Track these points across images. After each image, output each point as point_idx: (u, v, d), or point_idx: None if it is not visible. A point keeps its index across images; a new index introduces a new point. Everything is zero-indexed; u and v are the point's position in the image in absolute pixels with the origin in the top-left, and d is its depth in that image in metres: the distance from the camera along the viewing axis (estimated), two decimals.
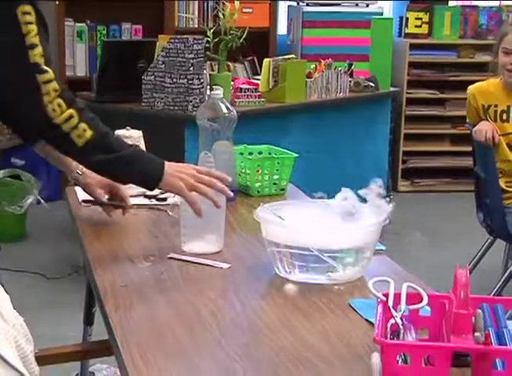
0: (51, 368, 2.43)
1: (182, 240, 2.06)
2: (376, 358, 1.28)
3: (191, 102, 4.06)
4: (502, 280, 3.99)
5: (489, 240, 4.20)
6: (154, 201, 2.44)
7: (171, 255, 2.00)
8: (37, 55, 1.88)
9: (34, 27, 1.88)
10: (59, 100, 1.90)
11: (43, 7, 1.93)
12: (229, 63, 5.52)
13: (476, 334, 1.28)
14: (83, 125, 1.92)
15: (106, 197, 2.29)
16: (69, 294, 4.20)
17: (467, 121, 4.18)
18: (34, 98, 1.89)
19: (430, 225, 5.70)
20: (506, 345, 1.25)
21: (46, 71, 1.89)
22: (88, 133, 1.93)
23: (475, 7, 6.80)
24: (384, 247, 2.02)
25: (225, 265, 1.94)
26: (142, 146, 2.50)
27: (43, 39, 1.90)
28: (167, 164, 2.03)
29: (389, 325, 1.30)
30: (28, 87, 1.89)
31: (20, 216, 5.15)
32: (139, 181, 2.05)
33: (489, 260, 4.26)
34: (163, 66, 4.13)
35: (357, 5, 6.43)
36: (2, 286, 1.40)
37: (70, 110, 1.91)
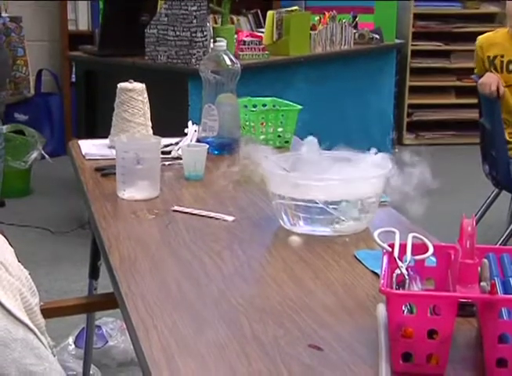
0: (57, 321, 2.44)
1: (122, 188, 2.08)
2: (381, 308, 1.28)
3: (194, 55, 4.02)
4: (507, 232, 3.99)
5: (494, 193, 4.20)
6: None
7: (176, 208, 2.00)
8: None
9: None
10: None
11: None
12: (233, 16, 5.48)
13: (482, 283, 1.28)
14: None
15: None
16: (74, 248, 4.21)
17: (475, 71, 4.15)
18: None
19: (436, 178, 5.68)
20: None
21: None
22: None
23: None
24: (388, 199, 2.01)
25: (230, 218, 1.94)
26: (146, 100, 2.48)
27: None
28: None
29: (394, 276, 1.30)
30: None
31: (25, 171, 5.15)
32: None
33: (494, 214, 4.26)
34: (166, 19, 4.09)
35: None
36: (7, 239, 1.40)
37: None
